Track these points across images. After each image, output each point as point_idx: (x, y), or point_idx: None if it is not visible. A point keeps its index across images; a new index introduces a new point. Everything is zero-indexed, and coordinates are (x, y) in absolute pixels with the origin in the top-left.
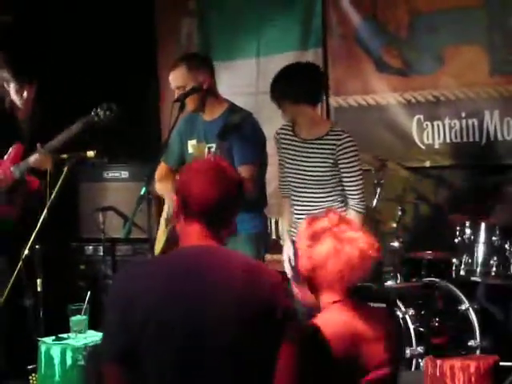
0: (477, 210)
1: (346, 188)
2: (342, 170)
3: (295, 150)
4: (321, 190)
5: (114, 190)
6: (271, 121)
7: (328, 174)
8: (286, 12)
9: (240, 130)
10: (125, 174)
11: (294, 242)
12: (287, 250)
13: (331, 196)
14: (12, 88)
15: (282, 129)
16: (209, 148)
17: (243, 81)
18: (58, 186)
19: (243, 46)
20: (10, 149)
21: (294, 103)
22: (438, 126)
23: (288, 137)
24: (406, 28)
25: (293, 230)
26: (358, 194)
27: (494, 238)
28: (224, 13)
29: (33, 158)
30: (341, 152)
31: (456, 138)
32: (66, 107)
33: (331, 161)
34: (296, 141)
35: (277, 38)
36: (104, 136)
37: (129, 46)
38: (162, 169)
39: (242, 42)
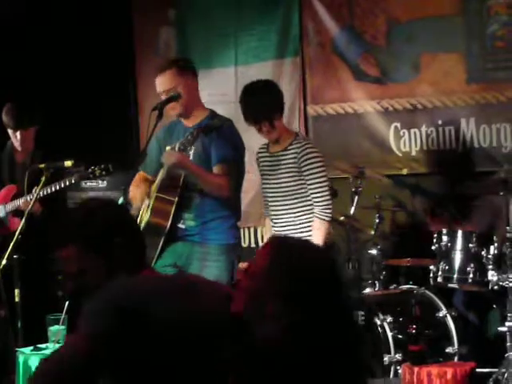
0: (453, 217)
1: (311, 196)
2: (305, 178)
3: (266, 166)
4: (291, 202)
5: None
6: (249, 130)
7: (295, 184)
8: (263, 21)
9: (219, 131)
10: (103, 184)
11: None
12: None
13: (302, 207)
14: (10, 131)
15: (260, 148)
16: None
17: (221, 89)
18: (35, 196)
19: (221, 55)
20: (3, 189)
21: (255, 123)
22: (415, 133)
23: (263, 154)
24: (383, 36)
25: None
26: (322, 202)
27: (470, 245)
28: (202, 22)
29: (23, 200)
30: (302, 159)
31: (433, 145)
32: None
33: (296, 171)
34: (267, 156)
35: (255, 46)
36: (82, 145)
37: (107, 56)
38: (138, 176)
39: (220, 51)
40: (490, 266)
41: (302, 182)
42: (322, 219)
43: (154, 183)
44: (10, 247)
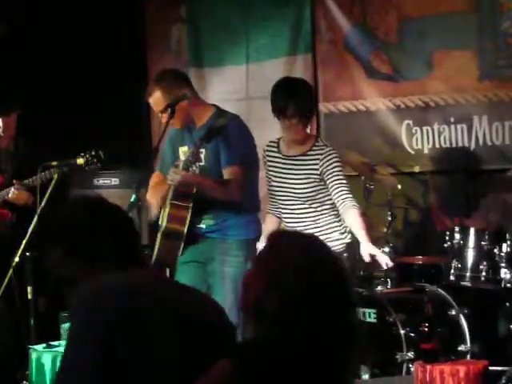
0: (466, 215)
1: (337, 193)
2: (328, 177)
3: (279, 167)
4: (308, 205)
5: (105, 196)
6: (261, 126)
7: (314, 189)
8: (275, 18)
9: (225, 132)
10: (115, 181)
11: None
12: None
13: (320, 211)
14: None
15: (268, 145)
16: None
17: (233, 86)
18: (48, 193)
19: (233, 52)
20: None
21: (300, 119)
22: (427, 131)
23: (273, 153)
24: (395, 33)
25: None
26: (349, 194)
27: (483, 243)
28: (214, 19)
29: (10, 192)
30: (324, 161)
31: (445, 143)
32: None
33: (316, 175)
34: (280, 157)
35: (266, 43)
36: (94, 143)
37: (119, 54)
38: (156, 176)
39: (232, 48)
40: (503, 264)
41: (322, 187)
42: (357, 207)
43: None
44: (23, 245)
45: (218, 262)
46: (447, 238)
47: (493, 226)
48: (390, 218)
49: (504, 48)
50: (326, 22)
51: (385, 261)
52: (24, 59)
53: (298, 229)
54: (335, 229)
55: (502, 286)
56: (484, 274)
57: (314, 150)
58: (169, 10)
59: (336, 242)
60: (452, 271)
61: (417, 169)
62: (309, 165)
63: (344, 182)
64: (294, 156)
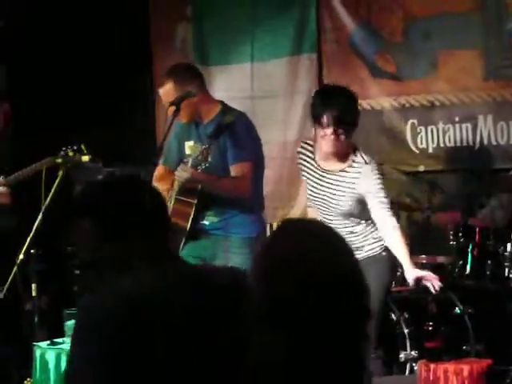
0: (470, 214)
1: (378, 210)
2: (368, 196)
3: (316, 178)
4: (346, 219)
5: None
6: (266, 125)
7: (352, 205)
8: (280, 17)
9: (232, 129)
10: None
11: None
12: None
13: (357, 222)
14: None
15: (302, 147)
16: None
17: (238, 85)
18: (52, 191)
19: (238, 51)
20: None
21: (335, 131)
22: (432, 130)
23: (308, 159)
24: (400, 33)
25: None
26: (390, 212)
27: (487, 242)
28: (219, 18)
29: None
30: (363, 178)
31: (450, 142)
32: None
33: (355, 193)
34: (316, 168)
35: (271, 42)
36: (99, 141)
37: (124, 51)
38: (160, 170)
39: (237, 47)
40: (507, 263)
41: (359, 202)
42: (398, 228)
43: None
44: (27, 242)
45: (221, 259)
46: (452, 236)
47: (497, 225)
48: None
49: (509, 48)
50: (330, 22)
51: (435, 284)
52: (28, 55)
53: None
54: (372, 234)
55: (507, 285)
56: (488, 273)
57: (353, 167)
58: (174, 9)
59: (375, 244)
60: (456, 270)
61: (421, 168)
62: (347, 182)
63: (384, 200)
64: (332, 171)
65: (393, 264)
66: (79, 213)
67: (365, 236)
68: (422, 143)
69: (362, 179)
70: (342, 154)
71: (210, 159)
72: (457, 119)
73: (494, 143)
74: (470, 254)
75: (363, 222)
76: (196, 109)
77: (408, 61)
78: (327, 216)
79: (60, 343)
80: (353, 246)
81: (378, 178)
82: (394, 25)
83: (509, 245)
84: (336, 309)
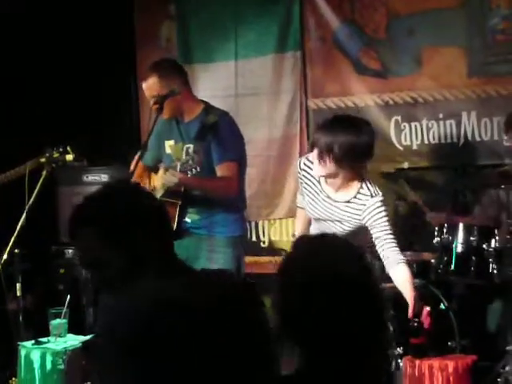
0: (455, 210)
1: (383, 244)
2: (372, 229)
3: (319, 201)
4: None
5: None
6: (250, 123)
7: (353, 230)
8: (264, 15)
9: (216, 129)
10: (104, 177)
11: None
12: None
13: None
14: None
15: (305, 165)
16: (186, 149)
17: (222, 83)
18: (36, 190)
19: (221, 49)
20: None
21: (335, 163)
22: (416, 127)
23: (311, 183)
24: (384, 30)
25: None
26: (395, 246)
27: (472, 239)
28: (203, 16)
29: None
30: (368, 212)
31: (434, 139)
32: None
33: (358, 222)
34: (320, 192)
35: (255, 40)
36: (83, 139)
37: (108, 50)
38: (139, 168)
39: (221, 45)
40: (491, 259)
41: (359, 229)
42: (404, 262)
43: (153, 173)
44: (11, 241)
45: (204, 258)
46: (436, 233)
47: (482, 221)
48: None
49: (493, 44)
50: (314, 19)
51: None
52: (10, 53)
53: None
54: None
55: (491, 281)
56: (473, 269)
57: (358, 199)
58: (158, 8)
59: None
60: (441, 267)
61: (406, 165)
62: (351, 213)
63: (390, 234)
64: (338, 201)
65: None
66: (83, 224)
67: None
68: (405, 140)
69: (367, 212)
70: (348, 185)
71: (198, 168)
72: (441, 116)
73: (478, 139)
74: (454, 251)
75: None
76: (179, 105)
77: (392, 58)
78: (323, 224)
79: (45, 342)
80: None
81: (384, 211)
82: (378, 22)
83: (493, 241)
84: (350, 318)
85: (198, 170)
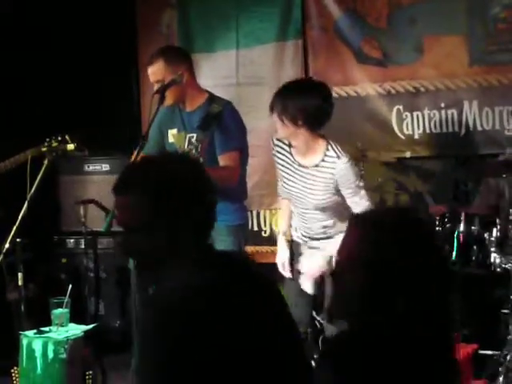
0: (456, 199)
1: (352, 208)
2: (343, 191)
3: (292, 172)
4: (320, 212)
5: (95, 182)
6: (251, 112)
7: (327, 198)
8: (265, 4)
9: (220, 119)
10: (105, 167)
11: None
12: (282, 253)
13: (332, 217)
14: None
15: (279, 144)
16: (189, 138)
17: (223, 72)
18: (38, 180)
19: (223, 38)
20: None
21: (293, 124)
22: (418, 116)
23: (283, 151)
24: (385, 19)
25: (294, 234)
26: (367, 200)
27: (473, 228)
28: (204, 5)
29: None
30: (340, 179)
31: (435, 128)
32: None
33: (330, 187)
34: (293, 163)
35: (256, 29)
36: (84, 129)
37: (110, 39)
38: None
39: (222, 34)
40: (493, 249)
41: (335, 196)
42: None
43: None
44: (13, 231)
45: None
46: (437, 222)
47: (483, 210)
48: (380, 204)
49: (494, 33)
50: (316, 8)
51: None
52: (11, 42)
53: (306, 229)
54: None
55: (492, 270)
56: (474, 258)
57: (326, 162)
58: None
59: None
60: None
61: (407, 154)
62: (322, 177)
63: (359, 188)
64: (307, 166)
65: None
66: (132, 190)
67: (337, 232)
68: (407, 129)
69: (338, 176)
70: (313, 148)
71: (201, 158)
72: (442, 105)
73: (480, 129)
74: (455, 240)
75: (337, 217)
76: (182, 92)
77: (393, 47)
78: (302, 209)
79: (47, 332)
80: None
81: (352, 170)
82: (380, 11)
83: (494, 230)
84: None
85: (201, 160)
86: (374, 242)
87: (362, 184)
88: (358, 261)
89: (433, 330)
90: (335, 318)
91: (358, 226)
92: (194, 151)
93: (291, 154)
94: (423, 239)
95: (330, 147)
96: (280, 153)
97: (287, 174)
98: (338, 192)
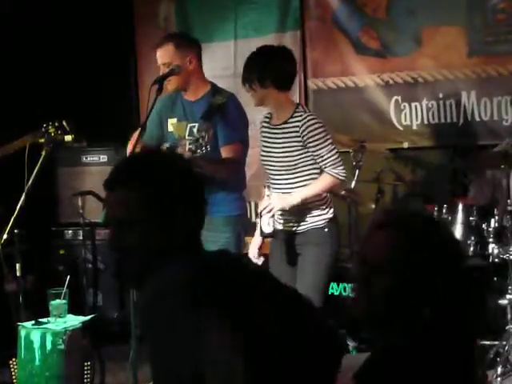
0: (454, 190)
1: (321, 164)
2: (311, 150)
3: (267, 137)
4: (292, 175)
5: (93, 174)
6: (250, 104)
7: (297, 157)
8: None
9: (223, 110)
10: (103, 158)
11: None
12: (255, 238)
13: (303, 181)
14: None
15: (264, 117)
16: (190, 128)
17: (221, 63)
18: (35, 171)
19: (221, 29)
20: None
21: (261, 86)
22: (416, 107)
23: (265, 124)
24: (384, 10)
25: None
26: (333, 164)
27: (471, 219)
28: None
29: None
30: (305, 132)
31: (434, 119)
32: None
33: (298, 144)
34: (268, 127)
35: (254, 20)
36: (82, 119)
37: (107, 31)
38: (139, 147)
39: (220, 25)
40: (491, 239)
41: (305, 155)
42: (330, 174)
43: None
44: (11, 222)
45: (205, 238)
46: (435, 213)
47: (481, 201)
48: (378, 194)
49: (493, 24)
50: None
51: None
52: (10, 31)
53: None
54: (316, 203)
55: (490, 260)
56: (472, 249)
57: (293, 117)
58: None
59: (317, 217)
60: None
61: (405, 145)
62: (290, 132)
63: (326, 155)
64: (278, 125)
65: (334, 241)
66: (125, 186)
67: (311, 203)
68: (405, 120)
69: (302, 127)
70: (284, 107)
71: (208, 147)
72: (440, 96)
73: (478, 119)
74: (453, 231)
75: (310, 181)
76: (187, 79)
77: (392, 37)
78: (275, 176)
79: (45, 323)
80: (298, 215)
81: (319, 128)
82: (378, 1)
83: (492, 220)
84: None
85: (209, 149)
86: (404, 246)
87: (332, 150)
88: (386, 264)
89: (458, 342)
90: (363, 330)
91: (386, 228)
92: (200, 141)
93: (269, 123)
94: (450, 246)
95: (300, 107)
96: (262, 127)
97: (264, 141)
98: (305, 150)
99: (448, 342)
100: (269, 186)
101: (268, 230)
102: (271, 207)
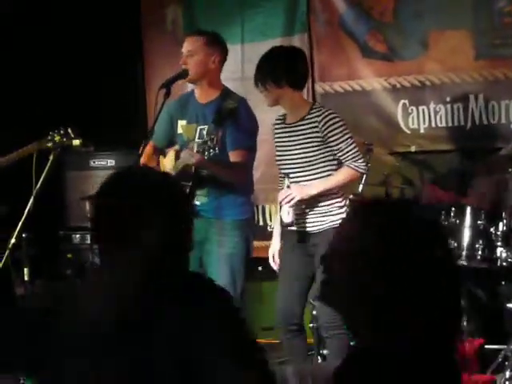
0: (462, 194)
1: (342, 157)
2: (331, 144)
3: (282, 137)
4: (309, 172)
5: (101, 178)
6: (257, 107)
7: (314, 153)
8: None
9: (235, 114)
10: (111, 162)
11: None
12: (274, 244)
13: (320, 178)
14: None
15: (277, 119)
16: (200, 130)
17: (228, 67)
18: (43, 175)
19: (228, 33)
20: None
21: (276, 86)
22: (423, 110)
23: (279, 126)
24: (391, 13)
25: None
26: (353, 157)
27: (479, 222)
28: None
29: None
30: (325, 126)
31: (441, 122)
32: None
33: (317, 139)
34: (283, 127)
35: (261, 24)
36: (89, 124)
37: (114, 35)
38: (148, 150)
39: (227, 29)
40: (499, 243)
41: (323, 151)
42: (350, 167)
43: (162, 157)
44: (19, 226)
45: (214, 242)
46: (443, 217)
47: (489, 204)
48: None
49: (500, 27)
50: (321, 3)
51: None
52: (15, 34)
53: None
54: (336, 204)
55: (498, 264)
56: (480, 252)
57: (311, 114)
58: None
59: (337, 216)
60: None
61: (413, 148)
62: (308, 128)
63: (346, 149)
64: (294, 122)
65: None
66: (119, 199)
67: (329, 200)
68: (413, 123)
69: (321, 123)
70: (300, 105)
71: (217, 149)
72: (448, 99)
73: (486, 123)
74: (461, 234)
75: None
76: (205, 75)
77: (399, 41)
78: (293, 175)
79: None
80: (317, 214)
81: (338, 122)
82: (385, 5)
83: (500, 224)
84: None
85: (217, 151)
86: (377, 232)
87: (352, 143)
88: (355, 250)
89: (438, 333)
90: (325, 304)
91: (361, 214)
92: (209, 143)
93: (284, 121)
94: (430, 231)
95: (317, 104)
96: (276, 128)
97: (279, 142)
98: (324, 146)
99: (427, 341)
100: (288, 175)
101: (288, 219)
102: (291, 197)
